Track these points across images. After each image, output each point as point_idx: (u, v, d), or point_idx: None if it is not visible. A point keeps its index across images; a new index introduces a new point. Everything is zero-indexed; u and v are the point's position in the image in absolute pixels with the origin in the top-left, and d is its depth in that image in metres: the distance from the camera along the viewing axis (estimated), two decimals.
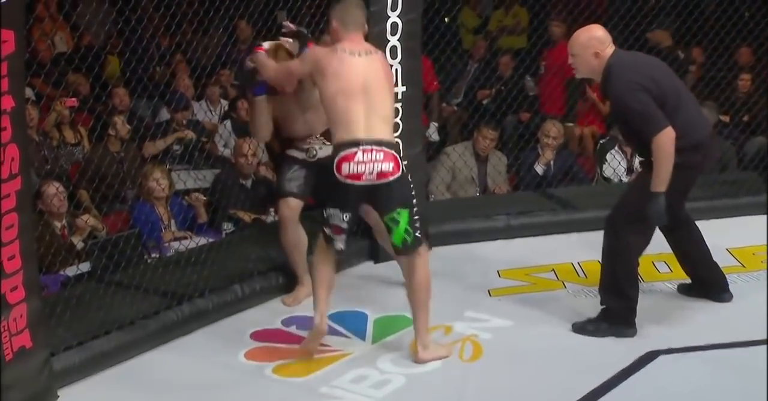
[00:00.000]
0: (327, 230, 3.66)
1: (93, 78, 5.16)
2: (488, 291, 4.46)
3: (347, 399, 3.55)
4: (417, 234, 3.65)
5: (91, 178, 5.04)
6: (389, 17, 4.56)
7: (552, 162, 5.87)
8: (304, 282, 4.24)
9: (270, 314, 4.25)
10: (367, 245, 4.75)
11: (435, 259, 4.69)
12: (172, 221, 5.13)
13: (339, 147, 3.55)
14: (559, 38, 6.47)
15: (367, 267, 4.76)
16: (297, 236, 4.20)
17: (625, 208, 3.92)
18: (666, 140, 3.67)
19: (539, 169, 5.82)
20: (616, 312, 3.95)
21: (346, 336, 4.03)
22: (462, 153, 5.89)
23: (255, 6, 4.78)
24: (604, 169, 5.83)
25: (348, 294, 4.33)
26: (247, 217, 5.24)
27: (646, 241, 3.96)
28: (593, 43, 3.79)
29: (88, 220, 4.64)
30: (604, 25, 3.95)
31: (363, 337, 4.04)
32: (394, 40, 4.59)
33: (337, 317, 4.14)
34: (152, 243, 4.85)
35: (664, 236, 4.20)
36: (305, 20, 4.64)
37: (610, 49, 3.80)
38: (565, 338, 3.98)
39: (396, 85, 4.63)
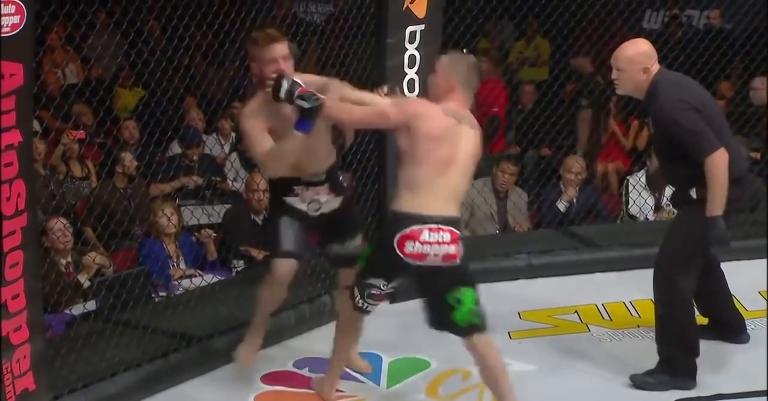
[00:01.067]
0: (361, 299, 3.48)
1: (103, 111, 5.19)
2: (508, 334, 4.42)
3: None
4: (483, 315, 3.48)
5: (99, 214, 5.05)
6: (407, 50, 4.59)
7: (575, 199, 5.85)
8: (257, 334, 3.86)
9: (282, 355, 4.22)
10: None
11: None
12: (182, 259, 5.13)
13: (402, 219, 3.31)
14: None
15: (382, 307, 4.71)
16: (281, 296, 3.77)
17: (675, 250, 3.81)
18: (721, 160, 3.59)
19: (561, 206, 5.80)
20: (679, 362, 3.83)
21: (358, 380, 3.99)
22: (481, 189, 5.87)
23: None
24: (630, 206, 5.80)
25: (362, 335, 4.29)
26: (258, 254, 5.23)
27: (695, 282, 3.87)
28: (642, 58, 3.70)
29: (95, 258, 4.64)
30: None
31: (377, 381, 4.00)
32: (411, 73, 4.62)
33: None
34: (161, 281, 4.85)
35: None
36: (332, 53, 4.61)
37: (656, 65, 3.73)
38: (589, 384, 3.93)
39: None
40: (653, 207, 5.80)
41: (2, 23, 3.07)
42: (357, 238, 3.82)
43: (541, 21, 6.42)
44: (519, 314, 4.63)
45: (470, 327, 3.44)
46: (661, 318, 3.87)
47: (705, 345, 3.98)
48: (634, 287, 4.78)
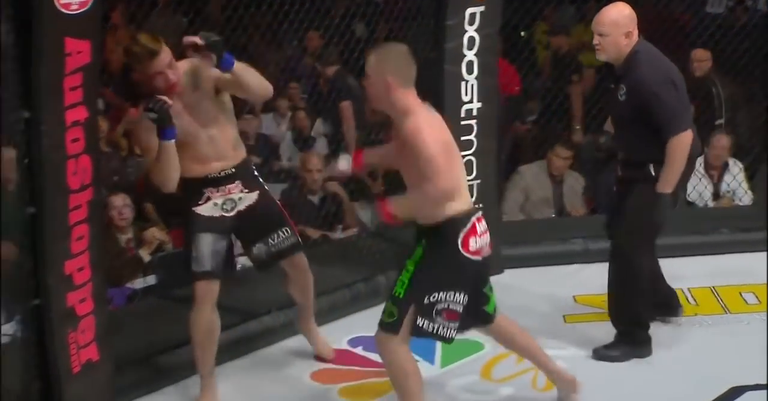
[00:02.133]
0: (431, 323, 3.18)
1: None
2: (563, 317, 4.42)
3: None
4: None
5: (159, 191, 5.12)
6: (466, 32, 4.58)
7: None
8: (209, 386, 3.62)
9: (336, 333, 4.27)
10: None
11: (508, 283, 4.72)
12: None
13: (456, 218, 3.15)
14: None
15: None
16: (212, 322, 3.55)
17: (634, 228, 3.82)
18: (686, 141, 3.63)
19: None
20: (637, 334, 3.96)
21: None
22: (537, 173, 5.86)
23: (329, 17, 4.83)
24: (689, 193, 5.73)
25: None
26: (314, 234, 5.28)
27: (651, 258, 3.98)
28: (626, 21, 3.65)
29: (155, 233, 4.73)
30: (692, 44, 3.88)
31: (431, 361, 4.03)
32: (470, 55, 4.61)
33: None
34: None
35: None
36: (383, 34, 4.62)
37: (637, 32, 3.69)
38: (643, 369, 3.93)
39: (471, 101, 4.67)
40: (712, 194, 5.73)
41: (70, 1, 3.15)
42: (282, 232, 3.65)
43: (602, 5, 6.36)
44: (574, 298, 4.63)
45: (495, 312, 3.44)
46: (617, 294, 3.93)
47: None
48: (691, 275, 4.77)
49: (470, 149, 4.71)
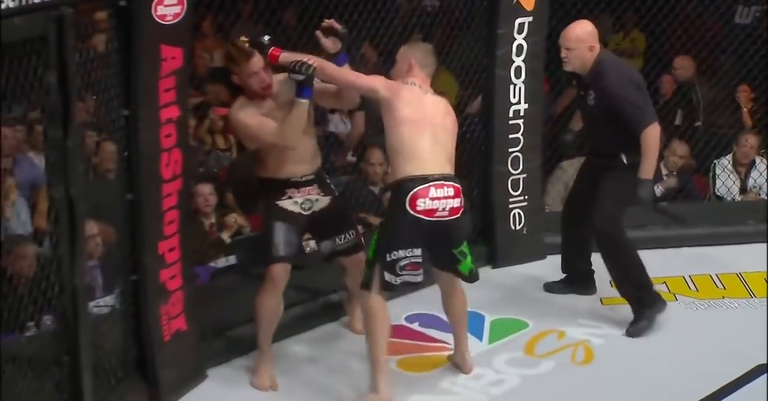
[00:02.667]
0: (392, 275, 3.31)
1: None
2: (600, 300, 4.36)
3: (465, 395, 3.55)
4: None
5: (237, 179, 5.16)
6: (515, 39, 4.53)
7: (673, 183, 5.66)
8: (266, 359, 3.60)
9: (395, 311, 4.23)
10: (485, 251, 4.71)
11: (550, 267, 4.67)
12: None
13: (407, 181, 3.28)
14: None
15: (485, 272, 4.68)
16: (279, 304, 3.53)
17: (611, 212, 3.88)
18: (656, 132, 3.74)
19: (658, 191, 5.61)
20: (647, 297, 3.96)
21: None
22: (577, 167, 5.77)
23: (392, 27, 4.79)
24: (717, 188, 5.62)
25: (466, 295, 4.31)
26: (375, 221, 5.28)
27: (587, 239, 4.11)
28: (589, 37, 3.78)
29: (236, 219, 4.77)
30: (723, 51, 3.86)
31: (480, 337, 4.01)
32: (518, 61, 4.57)
33: None
34: None
35: (565, 228, 4.26)
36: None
37: (599, 45, 3.81)
38: (677, 347, 3.87)
39: (519, 102, 4.63)
40: (740, 189, 5.61)
41: (166, 13, 3.18)
42: (348, 234, 3.68)
43: (639, 15, 6.24)
44: (611, 282, 4.53)
45: (470, 274, 3.50)
46: (618, 274, 3.98)
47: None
48: (720, 262, 4.68)
49: (517, 146, 4.67)
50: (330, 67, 3.42)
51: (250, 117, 3.42)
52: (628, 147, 3.80)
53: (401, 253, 3.29)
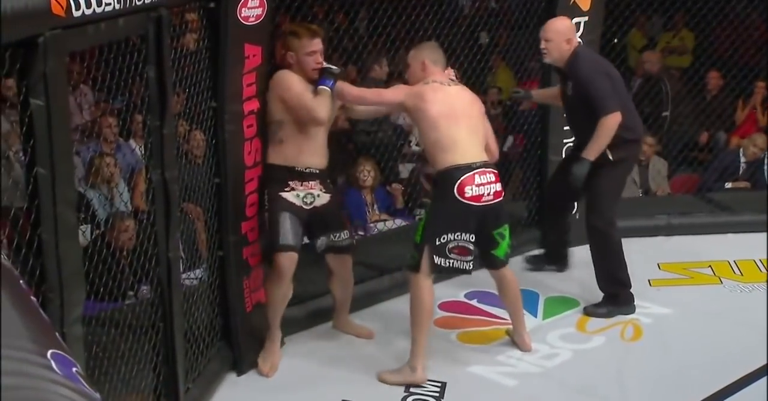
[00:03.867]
0: (442, 258, 3.25)
1: None
2: (649, 281, 4.31)
3: (520, 367, 3.54)
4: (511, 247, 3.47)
5: None
6: None
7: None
8: (275, 339, 3.48)
9: (455, 288, 4.25)
10: (539, 235, 4.68)
11: None
12: (376, 206, 5.24)
13: (453, 171, 3.22)
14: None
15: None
16: (288, 290, 3.41)
17: (603, 209, 3.81)
18: (614, 120, 3.63)
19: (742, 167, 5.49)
20: (621, 295, 3.89)
21: None
22: None
23: (457, 26, 4.78)
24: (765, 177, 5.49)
25: (522, 275, 4.26)
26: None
27: (566, 220, 4.13)
28: (567, 30, 3.76)
29: None
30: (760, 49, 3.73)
31: (535, 314, 4.00)
32: None
33: None
34: (360, 223, 4.98)
35: (553, 210, 4.23)
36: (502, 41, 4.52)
37: (576, 39, 3.78)
38: (721, 327, 3.81)
39: None
40: None
41: (249, 14, 3.23)
42: (343, 233, 3.54)
43: (689, 15, 6.11)
44: (658, 265, 4.50)
45: (506, 259, 3.45)
46: (602, 265, 3.89)
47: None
48: (764, 247, 4.55)
49: (570, 137, 4.60)
50: (353, 89, 3.42)
51: (297, 83, 3.33)
52: (612, 141, 3.67)
53: (450, 236, 3.24)
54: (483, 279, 4.09)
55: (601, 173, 3.75)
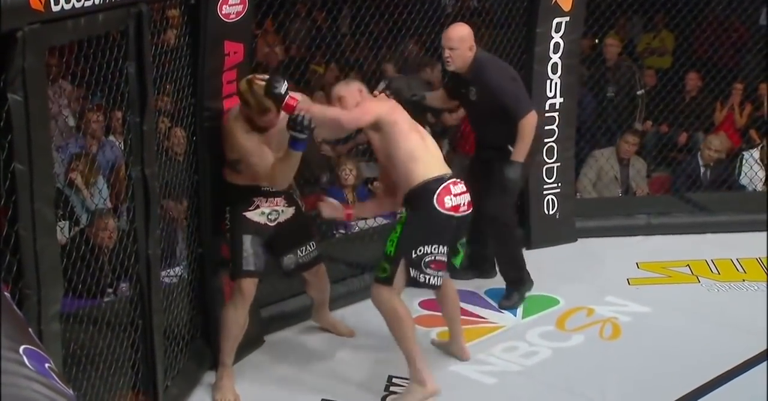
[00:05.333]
0: (420, 273, 3.11)
1: (302, 83, 5.33)
2: (627, 280, 4.34)
3: (500, 365, 3.55)
4: None
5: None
6: (553, 38, 4.50)
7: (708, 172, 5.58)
8: (228, 371, 3.28)
9: None
10: (520, 234, 4.69)
11: (581, 250, 4.67)
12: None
13: (430, 183, 3.12)
14: None
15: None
16: (245, 317, 3.25)
17: (503, 201, 3.91)
18: (533, 119, 3.74)
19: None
20: (521, 279, 4.04)
21: (499, 311, 4.01)
22: (608, 156, 5.73)
23: (439, 25, 4.77)
24: (741, 177, 5.54)
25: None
26: None
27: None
28: (469, 38, 3.74)
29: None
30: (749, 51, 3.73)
31: (514, 313, 4.01)
32: (555, 58, 4.54)
33: (492, 293, 4.14)
34: (341, 221, 4.97)
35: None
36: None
37: (475, 45, 3.76)
38: (699, 326, 3.84)
39: (554, 96, 4.60)
40: (762, 179, 5.51)
41: (230, 11, 3.21)
42: (309, 246, 3.40)
43: (669, 17, 6.15)
44: (637, 264, 4.53)
45: (460, 266, 3.38)
46: (503, 255, 4.03)
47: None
48: (741, 247, 4.62)
49: (552, 136, 4.64)
50: (323, 111, 3.20)
51: (253, 143, 3.10)
52: (513, 138, 3.75)
53: (427, 249, 3.11)
54: (469, 281, 4.15)
55: (500, 166, 3.83)
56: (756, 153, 5.55)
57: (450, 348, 3.56)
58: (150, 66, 2.82)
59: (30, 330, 0.67)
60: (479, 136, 4.11)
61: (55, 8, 2.21)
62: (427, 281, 3.14)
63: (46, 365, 0.59)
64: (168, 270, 3.61)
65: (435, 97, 4.06)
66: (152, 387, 2.98)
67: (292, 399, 3.29)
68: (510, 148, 3.77)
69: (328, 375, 3.43)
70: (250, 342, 3.54)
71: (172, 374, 3.16)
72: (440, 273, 3.16)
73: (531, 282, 4.08)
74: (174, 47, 3.19)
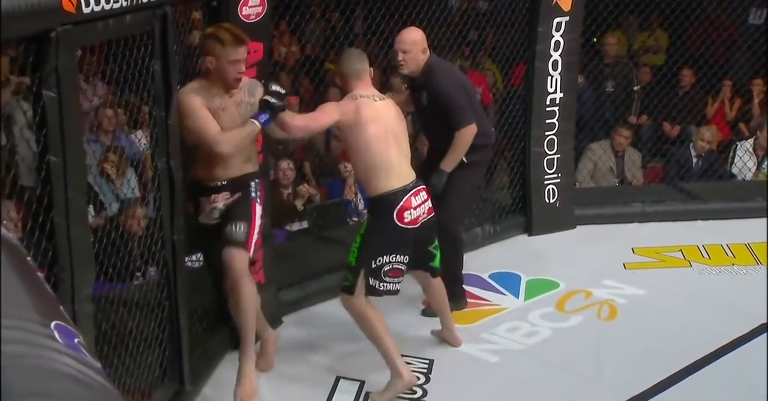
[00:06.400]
0: (378, 281, 3.02)
1: (317, 80, 5.32)
2: (623, 264, 4.32)
3: (503, 344, 3.55)
4: None
5: (312, 158, 5.21)
6: (553, 36, 4.46)
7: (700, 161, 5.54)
8: (250, 356, 3.09)
9: None
10: (522, 221, 4.69)
11: (580, 236, 4.65)
12: (360, 196, 5.17)
13: (390, 196, 2.97)
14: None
15: (522, 239, 4.70)
16: (255, 292, 3.01)
17: (455, 210, 3.57)
18: (470, 132, 3.45)
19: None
20: (457, 293, 3.67)
21: (502, 293, 4.01)
22: (605, 149, 5.70)
23: (447, 25, 4.75)
24: (732, 167, 5.50)
25: (505, 259, 4.31)
26: None
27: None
28: (422, 41, 3.47)
29: (308, 189, 4.81)
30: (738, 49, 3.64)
31: (516, 295, 4.00)
32: (555, 55, 4.50)
33: (495, 276, 4.13)
34: (352, 210, 4.98)
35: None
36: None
37: (428, 48, 3.50)
38: (691, 307, 3.82)
39: (555, 92, 4.57)
40: (751, 169, 5.47)
41: (250, 12, 3.21)
42: (242, 224, 2.98)
43: (663, 16, 6.10)
44: (633, 249, 4.51)
45: (440, 267, 3.26)
46: (448, 264, 3.50)
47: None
48: (731, 233, 4.59)
49: (552, 130, 4.62)
50: (297, 121, 3.01)
51: (199, 108, 2.84)
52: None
53: (386, 259, 2.99)
54: (467, 262, 4.11)
55: (454, 174, 3.54)
56: (748, 144, 5.51)
57: (444, 337, 3.50)
58: (174, 64, 2.82)
59: (61, 307, 0.67)
60: (430, 141, 3.83)
61: (85, 10, 2.21)
62: (385, 288, 3.05)
63: (75, 340, 0.59)
64: (192, 256, 3.62)
65: (400, 101, 3.57)
66: (178, 365, 2.99)
67: (309, 377, 3.29)
68: (463, 158, 3.52)
69: (344, 355, 3.43)
70: (270, 322, 3.54)
71: (196, 352, 3.16)
72: (397, 280, 3.06)
73: (463, 302, 3.72)
74: (196, 46, 3.18)
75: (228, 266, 2.92)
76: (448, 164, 3.50)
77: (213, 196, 2.98)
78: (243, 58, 2.88)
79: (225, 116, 2.91)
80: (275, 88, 2.92)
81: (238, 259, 2.92)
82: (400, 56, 3.47)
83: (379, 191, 2.99)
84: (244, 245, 2.93)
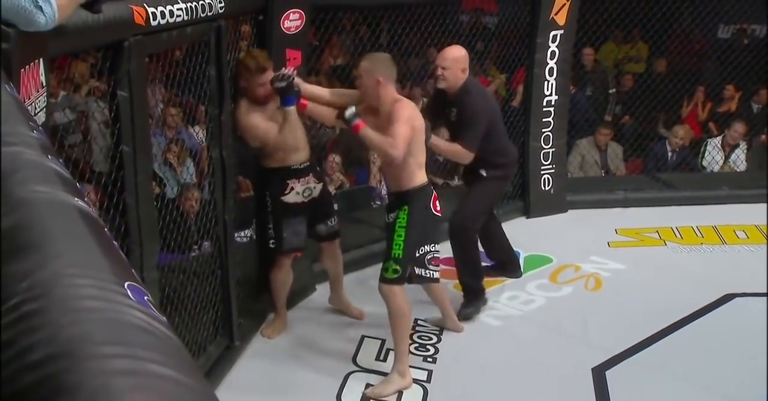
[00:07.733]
0: (424, 270, 2.88)
1: (347, 84, 5.30)
2: (608, 243, 4.28)
3: (504, 311, 3.53)
4: None
5: (342, 149, 5.18)
6: (550, 47, 4.41)
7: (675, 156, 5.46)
8: (281, 314, 3.27)
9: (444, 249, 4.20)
10: (521, 205, 4.65)
11: (571, 218, 4.61)
12: (384, 183, 5.17)
13: (426, 187, 2.81)
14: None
15: (521, 221, 4.67)
16: (290, 276, 3.19)
17: (469, 213, 3.36)
18: (466, 155, 3.20)
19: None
20: (477, 288, 3.45)
21: None
22: (589, 145, 5.63)
23: (457, 36, 4.70)
24: (703, 160, 5.41)
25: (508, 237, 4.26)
26: (438, 180, 5.24)
27: (502, 232, 3.66)
28: (463, 60, 3.18)
29: (339, 176, 4.80)
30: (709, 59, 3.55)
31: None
32: (551, 63, 4.45)
33: None
34: (375, 195, 4.96)
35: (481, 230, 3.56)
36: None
37: (468, 69, 3.22)
38: (665, 280, 3.78)
39: (551, 94, 4.51)
40: (719, 162, 5.39)
41: (290, 25, 3.18)
42: (334, 219, 3.22)
43: (643, 30, 6.00)
44: (616, 230, 4.46)
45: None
46: (461, 261, 3.37)
47: (753, 259, 3.74)
48: (701, 217, 4.54)
49: (548, 127, 4.57)
50: (388, 145, 2.68)
51: (259, 122, 2.90)
52: (488, 162, 3.30)
53: (428, 248, 2.85)
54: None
55: (475, 185, 3.41)
56: (717, 141, 5.43)
57: (446, 325, 3.31)
58: (226, 69, 2.81)
59: (132, 270, 0.67)
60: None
61: (153, 23, 2.21)
62: (431, 276, 2.91)
63: (145, 297, 0.58)
64: (240, 232, 3.63)
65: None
66: (228, 324, 3.01)
67: (337, 336, 3.29)
68: (483, 172, 3.34)
69: (369, 317, 3.41)
70: (304, 290, 3.55)
71: (243, 314, 3.18)
72: (438, 268, 2.93)
73: (485, 298, 3.47)
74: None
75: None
76: (435, 144, 3.18)
77: (304, 178, 3.02)
78: (267, 81, 2.87)
79: (276, 118, 2.94)
80: (278, 73, 2.85)
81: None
82: (439, 71, 3.20)
83: (418, 182, 2.80)
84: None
